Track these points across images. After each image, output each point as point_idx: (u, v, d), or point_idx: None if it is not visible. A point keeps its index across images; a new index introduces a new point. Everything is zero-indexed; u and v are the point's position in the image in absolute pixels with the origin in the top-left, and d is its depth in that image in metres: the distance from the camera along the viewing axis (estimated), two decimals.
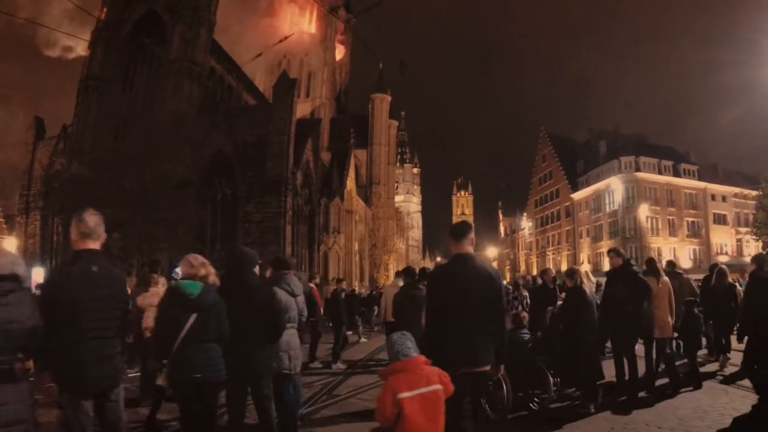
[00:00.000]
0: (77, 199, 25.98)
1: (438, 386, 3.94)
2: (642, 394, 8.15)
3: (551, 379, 7.40)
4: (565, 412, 7.60)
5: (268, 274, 6.63)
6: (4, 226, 64.54)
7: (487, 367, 4.81)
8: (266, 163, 43.15)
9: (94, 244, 4.35)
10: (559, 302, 9.12)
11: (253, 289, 5.54)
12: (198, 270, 5.20)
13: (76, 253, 4.28)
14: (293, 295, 6.61)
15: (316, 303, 13.52)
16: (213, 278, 5.30)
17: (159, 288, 8.23)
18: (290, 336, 6.37)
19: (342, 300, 16.25)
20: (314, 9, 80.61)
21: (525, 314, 8.14)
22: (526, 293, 15.02)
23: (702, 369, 10.22)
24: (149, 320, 7.64)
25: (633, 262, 8.47)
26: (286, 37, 29.17)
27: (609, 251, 8.48)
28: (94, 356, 4.13)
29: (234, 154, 43.94)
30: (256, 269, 5.96)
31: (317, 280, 17.36)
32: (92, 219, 4.34)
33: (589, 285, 7.96)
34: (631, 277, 8.03)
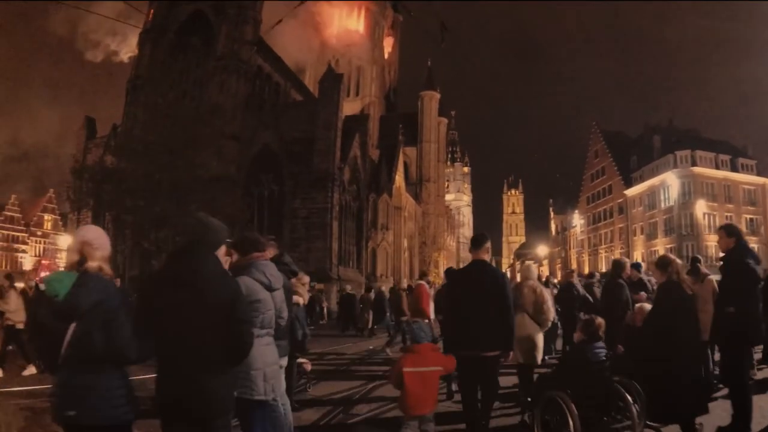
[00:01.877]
0: (111, 192, 24.79)
1: (436, 368, 5.20)
2: None
3: (635, 409, 5.23)
4: None
5: (230, 260, 4.59)
6: (60, 223, 65.12)
7: (494, 353, 5.50)
8: (313, 159, 41.62)
9: None
10: (641, 304, 6.72)
11: (208, 280, 3.48)
12: (71, 256, 3.29)
13: None
14: (270, 289, 4.53)
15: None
16: (96, 265, 3.34)
17: None
18: (265, 348, 4.39)
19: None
20: (362, 8, 79.04)
21: (601, 321, 5.79)
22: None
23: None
24: None
25: (746, 244, 6.07)
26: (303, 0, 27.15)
27: (720, 228, 6.16)
28: None
29: (281, 150, 42.59)
30: (221, 252, 3.84)
31: (429, 277, 15.26)
32: None
33: (689, 281, 5.64)
34: (737, 266, 5.79)
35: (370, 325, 22.31)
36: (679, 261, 5.52)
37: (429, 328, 5.92)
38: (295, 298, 8.62)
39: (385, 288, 29.29)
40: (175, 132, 26.87)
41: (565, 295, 11.27)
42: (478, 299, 5.54)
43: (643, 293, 7.83)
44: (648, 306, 6.27)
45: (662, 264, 5.50)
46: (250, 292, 4.29)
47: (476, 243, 5.95)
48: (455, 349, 5.53)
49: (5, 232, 61.32)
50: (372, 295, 22.85)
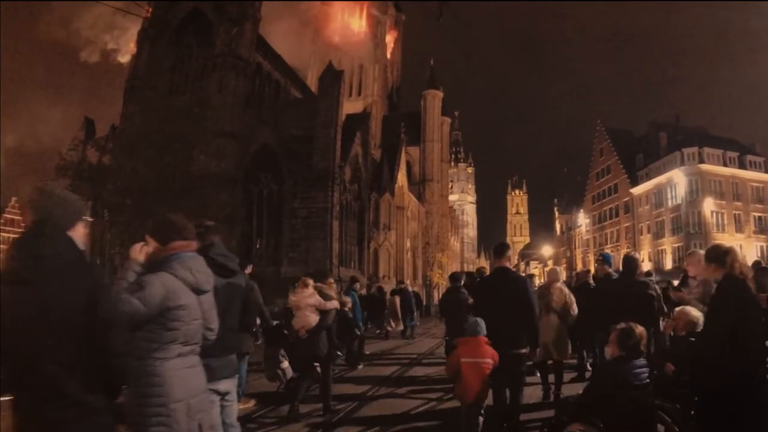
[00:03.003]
0: (95, 190, 23.50)
1: (488, 360, 5.75)
2: None
3: None
4: None
5: (146, 249, 3.35)
6: None
7: (522, 350, 6.00)
8: (312, 157, 40.39)
9: None
10: (683, 308, 5.34)
11: (53, 272, 2.42)
12: None
13: None
14: (198, 291, 3.29)
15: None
16: None
17: (310, 289, 8.08)
18: (188, 372, 3.12)
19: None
20: (363, 7, 77.83)
21: (642, 331, 4.40)
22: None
23: None
24: (303, 320, 7.81)
25: None
26: None
27: None
28: None
29: (280, 149, 41.38)
30: (79, 232, 2.74)
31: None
32: None
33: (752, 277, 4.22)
34: None
35: (401, 327, 21.61)
36: (739, 253, 4.17)
37: (484, 324, 6.05)
38: (332, 303, 8.20)
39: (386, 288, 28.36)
40: (162, 127, 25.50)
41: (582, 295, 9.73)
42: (503, 303, 6.00)
43: (684, 292, 6.35)
44: (692, 310, 5.00)
45: (717, 255, 4.00)
46: (171, 295, 3.07)
47: (498, 252, 6.51)
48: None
49: (6, 234, 60.60)
50: (397, 297, 22.24)
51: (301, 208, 40.09)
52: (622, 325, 4.36)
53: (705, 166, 58.05)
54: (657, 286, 7.74)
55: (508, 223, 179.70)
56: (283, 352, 8.85)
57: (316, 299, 7.90)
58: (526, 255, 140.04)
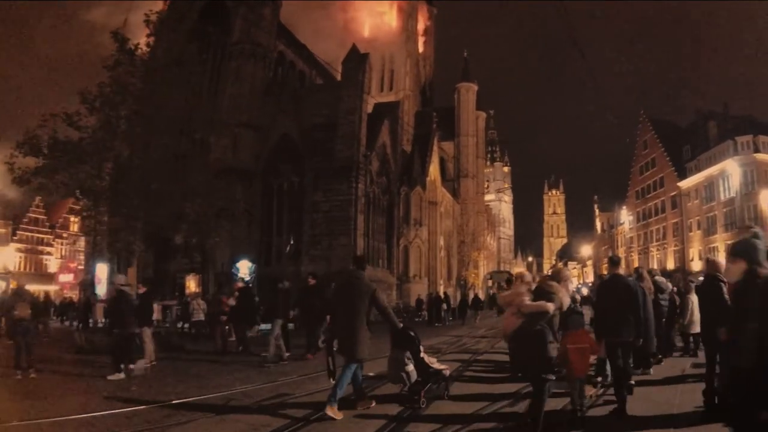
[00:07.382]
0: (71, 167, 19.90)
1: (586, 345, 6.87)
2: None
3: None
4: None
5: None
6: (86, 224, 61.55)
7: (629, 339, 7.28)
8: (335, 147, 36.51)
9: None
10: None
11: None
12: None
13: None
14: None
15: None
16: None
17: (518, 288, 6.50)
18: None
19: None
20: (394, 2, 74.03)
21: None
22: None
23: None
24: (504, 323, 7.20)
25: None
26: None
27: None
28: None
29: (301, 139, 37.60)
30: None
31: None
32: None
33: None
34: None
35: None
36: None
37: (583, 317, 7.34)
38: (542, 305, 6.23)
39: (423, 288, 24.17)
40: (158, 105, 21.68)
41: (710, 296, 7.42)
42: (614, 302, 7.38)
43: None
44: None
45: None
46: None
47: (612, 263, 8.25)
48: (602, 337, 7.40)
49: (30, 234, 58.18)
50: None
51: (323, 202, 36.25)
52: None
53: (760, 156, 52.26)
54: None
55: (545, 223, 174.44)
56: (408, 354, 8.10)
57: (519, 300, 6.29)
58: (564, 255, 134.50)
